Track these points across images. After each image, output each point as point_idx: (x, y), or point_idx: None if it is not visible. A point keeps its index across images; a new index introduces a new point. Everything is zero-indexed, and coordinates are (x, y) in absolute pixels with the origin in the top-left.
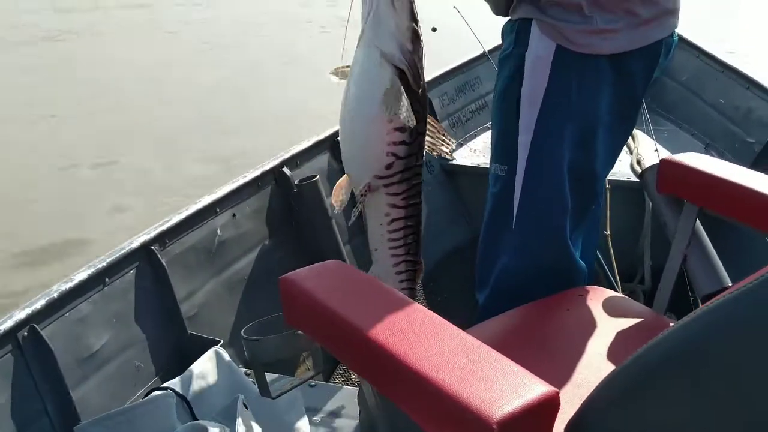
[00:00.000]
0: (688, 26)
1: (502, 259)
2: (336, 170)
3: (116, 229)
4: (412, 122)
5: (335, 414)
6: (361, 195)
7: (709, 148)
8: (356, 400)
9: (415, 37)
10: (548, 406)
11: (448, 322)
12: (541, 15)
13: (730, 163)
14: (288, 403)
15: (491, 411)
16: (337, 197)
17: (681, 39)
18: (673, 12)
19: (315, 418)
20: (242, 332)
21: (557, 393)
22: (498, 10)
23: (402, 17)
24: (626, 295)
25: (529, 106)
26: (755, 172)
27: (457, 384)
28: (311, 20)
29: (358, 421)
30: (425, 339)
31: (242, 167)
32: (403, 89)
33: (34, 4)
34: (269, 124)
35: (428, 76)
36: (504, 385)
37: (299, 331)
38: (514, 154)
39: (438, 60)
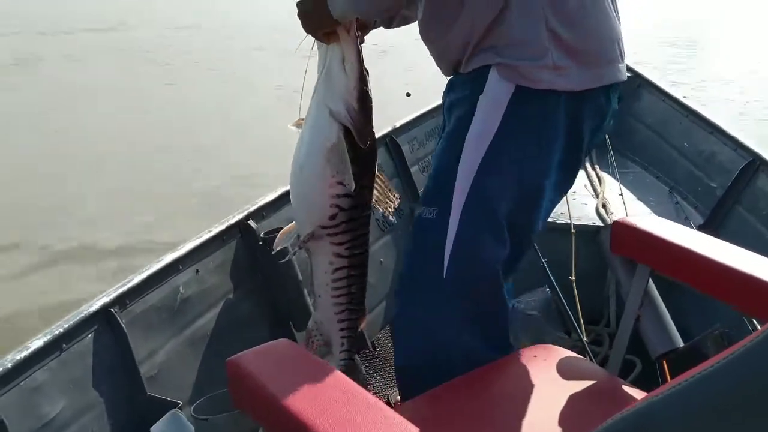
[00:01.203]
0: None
1: (432, 312)
2: None
3: None
4: (351, 185)
5: None
6: (303, 242)
7: (673, 191)
8: None
9: (363, 97)
10: None
11: (389, 409)
12: (499, 58)
13: (681, 226)
14: None
15: None
16: (278, 243)
17: (647, 82)
18: (620, 61)
19: None
20: (192, 410)
21: None
22: (448, 71)
23: (351, 79)
24: (592, 339)
25: (475, 148)
26: (705, 235)
27: None
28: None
29: None
30: (365, 428)
31: None
32: (346, 148)
33: None
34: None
35: (399, 121)
36: None
37: None
38: (448, 197)
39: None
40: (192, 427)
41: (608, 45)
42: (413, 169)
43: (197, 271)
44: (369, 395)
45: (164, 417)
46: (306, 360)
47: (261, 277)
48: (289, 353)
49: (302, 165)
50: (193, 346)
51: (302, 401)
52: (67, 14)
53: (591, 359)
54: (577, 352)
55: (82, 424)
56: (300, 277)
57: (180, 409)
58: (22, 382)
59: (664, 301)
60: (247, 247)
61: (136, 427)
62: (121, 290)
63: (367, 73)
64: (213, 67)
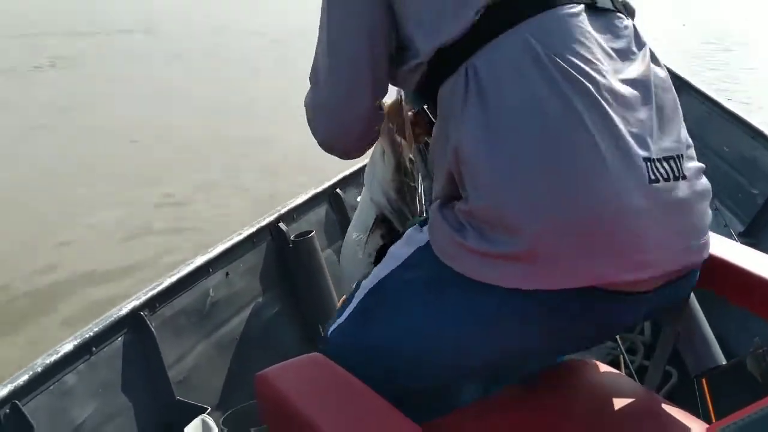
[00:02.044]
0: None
1: None
2: (333, 222)
3: None
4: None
5: None
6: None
7: (713, 196)
8: None
9: (400, 188)
10: None
11: (419, 429)
12: (433, 204)
13: (722, 237)
14: None
15: None
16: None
17: (686, 84)
18: (621, 257)
19: None
20: (221, 421)
21: None
22: None
23: (388, 170)
24: (626, 348)
25: (385, 260)
26: (746, 247)
27: None
28: None
29: None
30: None
31: None
32: (381, 233)
33: None
34: None
35: None
36: None
37: None
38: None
39: None
40: None
41: (615, 221)
42: None
43: (227, 274)
44: (402, 416)
45: (192, 423)
46: (337, 377)
47: (291, 280)
48: (321, 369)
49: (346, 241)
50: (222, 350)
51: (331, 422)
52: None
53: (631, 371)
54: (612, 360)
55: (111, 429)
56: (330, 280)
57: (208, 414)
58: (52, 386)
59: (703, 312)
60: (277, 249)
61: (165, 431)
62: (151, 293)
63: (411, 162)
64: None
